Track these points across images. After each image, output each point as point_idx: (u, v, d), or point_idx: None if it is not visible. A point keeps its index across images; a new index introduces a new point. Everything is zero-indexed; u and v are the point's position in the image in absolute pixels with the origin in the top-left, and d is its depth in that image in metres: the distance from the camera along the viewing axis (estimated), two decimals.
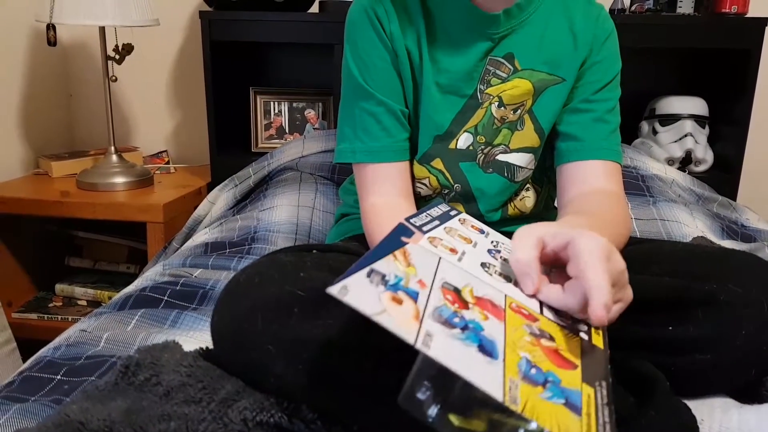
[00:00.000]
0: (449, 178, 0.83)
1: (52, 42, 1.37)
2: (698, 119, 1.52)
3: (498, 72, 0.79)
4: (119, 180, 1.49)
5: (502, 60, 0.79)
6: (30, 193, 1.47)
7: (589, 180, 0.78)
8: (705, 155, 1.51)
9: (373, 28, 0.78)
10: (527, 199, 0.88)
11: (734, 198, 1.50)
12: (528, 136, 0.82)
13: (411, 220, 0.56)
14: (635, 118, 1.63)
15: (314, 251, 0.70)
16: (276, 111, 1.70)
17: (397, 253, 0.47)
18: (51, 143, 1.74)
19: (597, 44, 0.80)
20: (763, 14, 1.42)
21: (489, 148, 0.82)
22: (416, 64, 0.79)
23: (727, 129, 1.53)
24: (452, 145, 0.82)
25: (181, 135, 1.84)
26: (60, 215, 1.43)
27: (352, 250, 0.75)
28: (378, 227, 0.77)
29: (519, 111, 0.81)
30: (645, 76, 1.64)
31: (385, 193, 0.79)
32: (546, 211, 0.92)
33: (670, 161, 1.50)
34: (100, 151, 1.65)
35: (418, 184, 0.84)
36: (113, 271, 1.62)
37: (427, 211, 0.60)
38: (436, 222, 0.59)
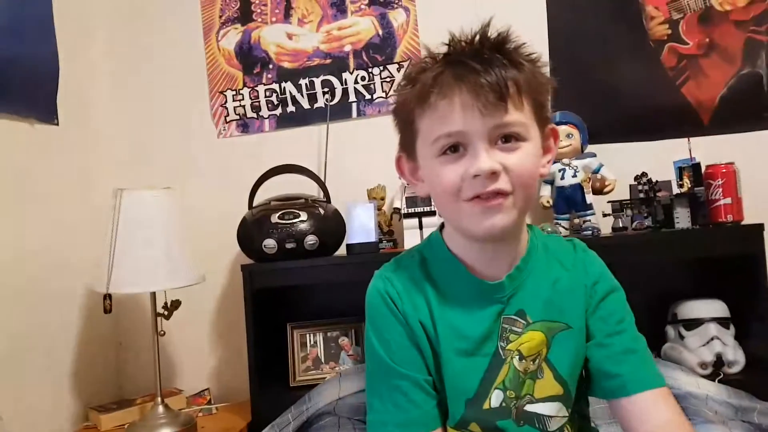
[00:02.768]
0: None
1: (108, 310, 1.51)
2: (721, 321, 1.55)
3: (513, 329, 0.85)
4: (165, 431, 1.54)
5: (515, 317, 0.85)
6: None
7: (649, 415, 0.81)
8: (736, 356, 1.51)
9: (389, 308, 0.86)
10: None
11: None
12: (549, 384, 0.86)
13: None
14: (660, 323, 1.67)
15: None
16: (312, 342, 1.78)
17: None
18: (101, 393, 1.82)
19: (592, 288, 0.88)
20: (758, 220, 1.52)
21: (518, 401, 0.85)
22: (432, 335, 0.85)
23: (753, 327, 1.55)
24: (486, 405, 0.85)
25: (222, 373, 1.92)
26: None
27: None
28: None
29: (537, 360, 0.85)
30: (662, 282, 1.71)
31: None
32: None
33: (702, 365, 1.50)
34: (147, 398, 1.73)
35: None
36: None
37: None
38: None
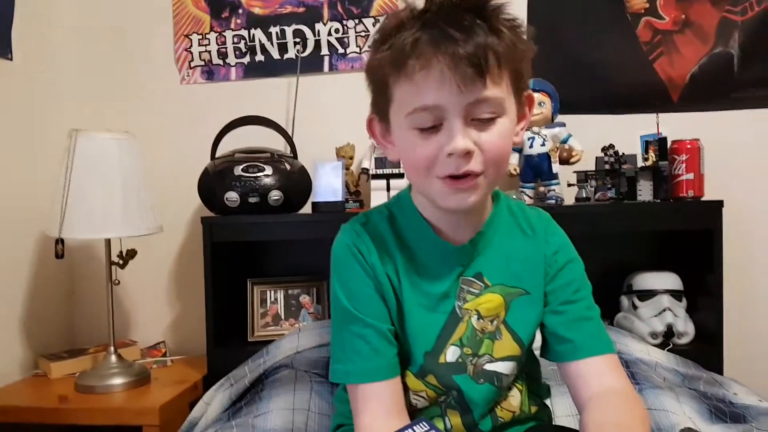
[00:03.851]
0: (444, 391, 0.88)
1: (59, 255, 1.46)
2: (674, 293, 1.60)
3: (471, 289, 0.87)
4: (117, 381, 1.51)
5: (473, 279, 0.88)
6: (29, 400, 1.48)
7: (596, 379, 0.84)
8: (686, 328, 1.57)
9: (356, 260, 0.87)
10: (512, 398, 0.92)
11: (721, 368, 1.53)
12: (508, 345, 0.88)
13: None
14: (615, 292, 1.71)
15: None
16: (272, 299, 1.77)
17: None
18: (51, 341, 1.78)
19: (552, 257, 0.90)
20: (718, 197, 1.55)
21: (476, 358, 0.87)
22: (397, 288, 0.87)
23: (704, 301, 1.60)
24: (442, 360, 0.87)
25: (178, 327, 1.89)
26: (58, 422, 1.44)
27: None
28: None
29: (495, 322, 0.88)
30: (620, 253, 1.75)
31: (378, 413, 0.83)
32: (540, 409, 0.96)
33: (653, 335, 1.55)
34: (100, 348, 1.69)
35: (415, 397, 0.89)
36: None
37: (411, 429, 0.65)
38: None
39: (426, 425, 0.70)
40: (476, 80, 0.73)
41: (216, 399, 1.38)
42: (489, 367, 0.88)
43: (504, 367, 0.88)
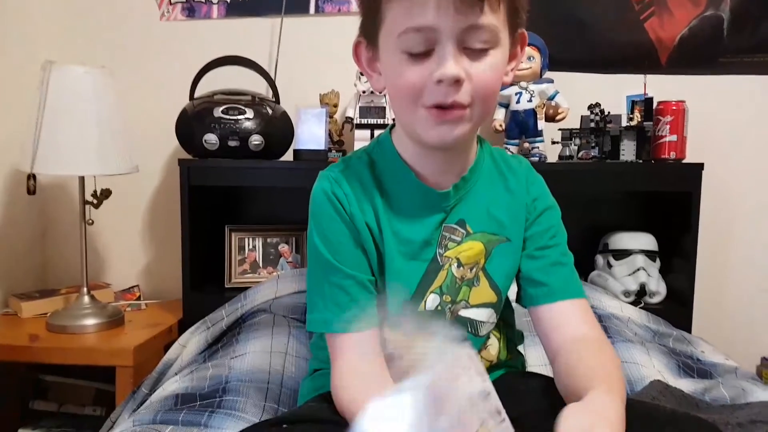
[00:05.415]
0: None
1: (31, 191, 1.42)
2: (648, 254, 1.62)
3: (453, 237, 0.86)
4: (89, 322, 1.49)
5: (456, 226, 0.87)
6: None
7: (567, 326, 0.84)
8: (658, 287, 1.60)
9: (335, 209, 0.84)
10: (491, 347, 0.93)
11: (690, 327, 1.57)
12: (485, 292, 0.88)
13: None
14: (590, 251, 1.73)
15: (284, 425, 0.72)
16: (250, 246, 1.75)
17: None
18: (22, 281, 1.74)
19: (532, 204, 0.90)
20: (699, 160, 1.57)
21: (453, 305, 0.87)
22: (377, 236, 0.85)
23: (677, 262, 1.63)
24: (422, 307, 0.87)
25: (153, 270, 1.87)
26: (29, 361, 1.42)
27: (324, 418, 0.77)
28: (346, 393, 0.80)
29: (474, 269, 0.88)
30: (598, 213, 1.77)
31: (355, 359, 0.83)
32: (513, 357, 0.97)
33: (626, 293, 1.58)
34: (72, 289, 1.66)
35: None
36: (79, 414, 1.58)
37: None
38: None
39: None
40: (474, 4, 0.70)
41: (192, 341, 1.37)
42: (464, 313, 0.88)
43: (479, 314, 0.88)
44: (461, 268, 0.87)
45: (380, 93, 1.46)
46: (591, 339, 0.83)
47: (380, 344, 0.86)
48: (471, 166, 0.87)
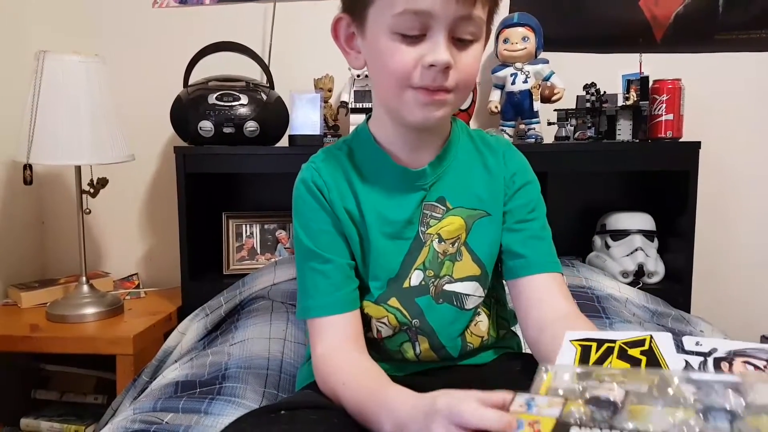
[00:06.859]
0: (407, 315, 0.88)
1: (28, 181, 1.42)
2: (646, 234, 1.62)
3: (434, 214, 0.88)
4: (89, 311, 1.50)
5: (436, 203, 0.88)
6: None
7: (550, 297, 0.86)
8: (656, 267, 1.60)
9: (314, 198, 0.86)
10: (481, 323, 0.93)
11: (688, 307, 1.57)
12: (468, 266, 0.89)
13: None
14: (588, 232, 1.73)
15: (282, 411, 0.73)
16: (248, 233, 1.75)
17: None
18: (21, 271, 1.75)
19: (510, 179, 0.91)
20: (695, 138, 1.56)
21: (437, 280, 0.89)
22: (358, 221, 0.87)
23: (675, 242, 1.63)
24: (406, 284, 0.88)
25: (152, 259, 1.87)
26: (29, 350, 1.43)
27: (321, 404, 0.78)
28: (327, 376, 0.81)
29: (456, 244, 0.89)
30: (595, 194, 1.77)
31: (333, 342, 0.84)
32: (508, 336, 0.98)
33: (624, 274, 1.59)
34: (71, 278, 1.67)
35: (378, 323, 0.89)
36: (81, 403, 1.59)
37: None
38: None
39: None
40: None
41: (191, 329, 1.37)
42: (448, 287, 0.89)
43: (464, 287, 0.89)
44: (442, 243, 0.88)
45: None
46: (574, 314, 0.85)
47: (359, 326, 0.87)
48: (446, 145, 0.89)
